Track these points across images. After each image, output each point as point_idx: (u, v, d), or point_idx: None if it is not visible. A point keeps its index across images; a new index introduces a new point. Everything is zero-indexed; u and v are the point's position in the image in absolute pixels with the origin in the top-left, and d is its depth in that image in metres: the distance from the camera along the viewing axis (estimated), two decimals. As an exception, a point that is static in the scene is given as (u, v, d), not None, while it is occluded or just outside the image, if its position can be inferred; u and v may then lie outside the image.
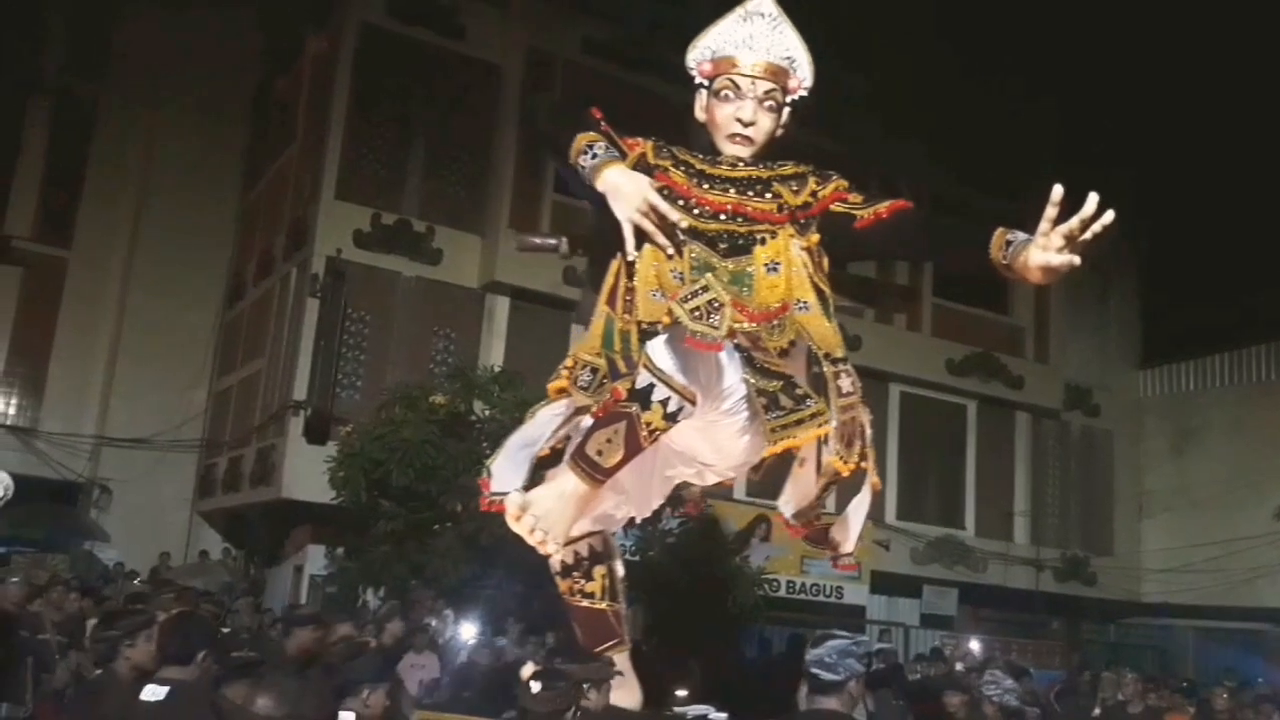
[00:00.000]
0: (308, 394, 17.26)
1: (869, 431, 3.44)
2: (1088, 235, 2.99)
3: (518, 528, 3.27)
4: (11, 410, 21.17)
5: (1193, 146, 22.26)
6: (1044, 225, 3.01)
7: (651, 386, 3.13)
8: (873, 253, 3.71)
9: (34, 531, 17.49)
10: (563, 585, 3.69)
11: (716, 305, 3.09)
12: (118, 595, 13.32)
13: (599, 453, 3.20)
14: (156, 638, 5.57)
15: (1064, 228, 3.00)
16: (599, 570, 3.63)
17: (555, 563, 3.63)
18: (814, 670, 4.41)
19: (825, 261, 3.51)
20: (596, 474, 3.23)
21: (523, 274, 18.39)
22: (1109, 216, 2.97)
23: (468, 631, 11.98)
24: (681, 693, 5.76)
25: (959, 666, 15.55)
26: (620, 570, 3.69)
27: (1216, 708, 11.47)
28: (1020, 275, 3.12)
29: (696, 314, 3.06)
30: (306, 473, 15.96)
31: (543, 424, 3.65)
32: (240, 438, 19.80)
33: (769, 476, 3.55)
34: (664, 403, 3.12)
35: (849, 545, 3.68)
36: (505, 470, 3.54)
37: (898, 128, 20.58)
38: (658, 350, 3.17)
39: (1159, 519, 24.55)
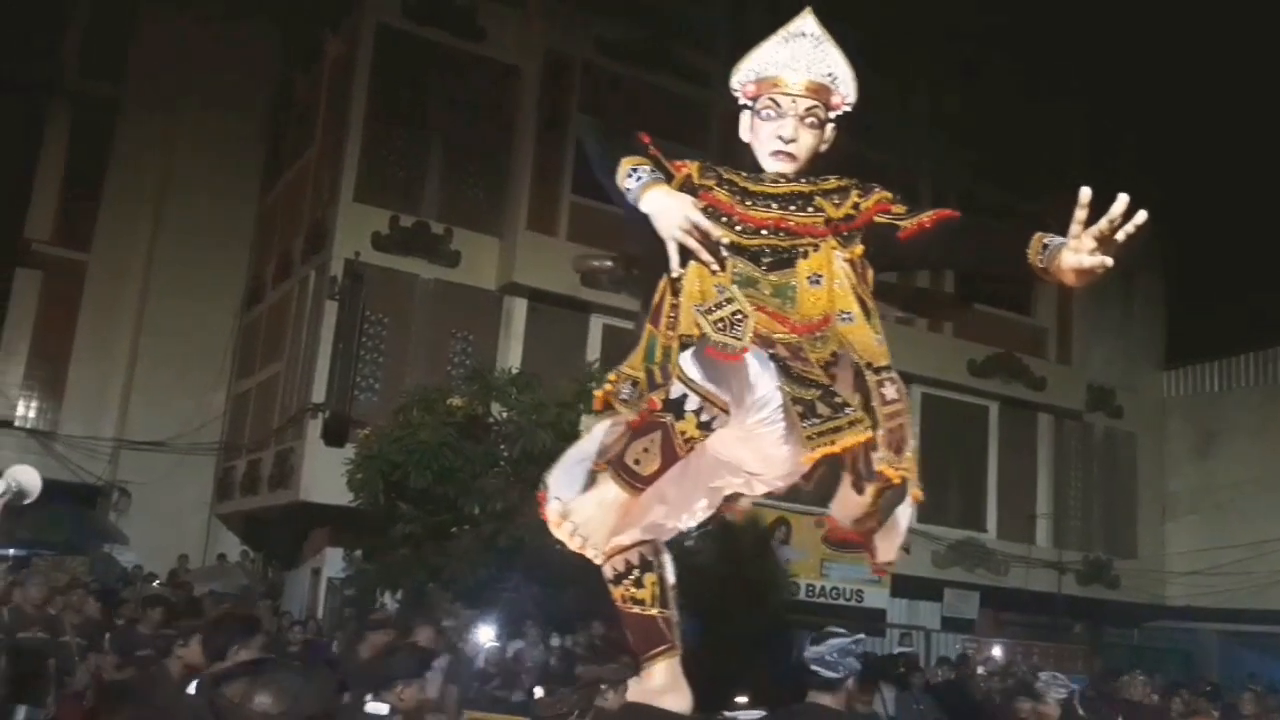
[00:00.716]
0: (326, 397, 17.25)
1: (912, 441, 3.45)
2: (1120, 236, 2.98)
3: (559, 534, 3.39)
4: (31, 413, 21.28)
5: (1218, 145, 22.14)
6: (1074, 228, 3.02)
7: (684, 396, 3.21)
8: (916, 263, 3.74)
9: (53, 535, 17.51)
10: (615, 592, 3.74)
11: (740, 317, 3.16)
12: (135, 598, 13.34)
13: (636, 461, 3.29)
14: (200, 639, 6.04)
15: (1094, 229, 2.99)
16: (649, 578, 3.68)
17: (607, 570, 3.71)
18: (815, 668, 4.57)
19: (869, 273, 3.54)
20: (635, 482, 3.32)
21: (540, 276, 18.39)
22: (1141, 217, 2.95)
23: (485, 634, 11.94)
24: (741, 699, 5.78)
25: (980, 670, 15.51)
26: (671, 578, 3.73)
27: (1243, 712, 11.41)
28: (1056, 279, 3.15)
29: (720, 325, 3.14)
30: (325, 475, 15.98)
31: (598, 438, 3.71)
32: (259, 440, 19.82)
33: (820, 488, 3.54)
34: (696, 412, 3.20)
35: (890, 554, 3.67)
36: (561, 482, 3.62)
37: (918, 125, 20.52)
38: (689, 361, 3.24)
39: (1183, 521, 24.41)
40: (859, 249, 3.52)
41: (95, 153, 21.78)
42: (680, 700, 3.70)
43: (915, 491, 3.46)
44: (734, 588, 13.28)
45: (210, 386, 21.63)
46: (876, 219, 3.51)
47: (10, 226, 21.27)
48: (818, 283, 3.46)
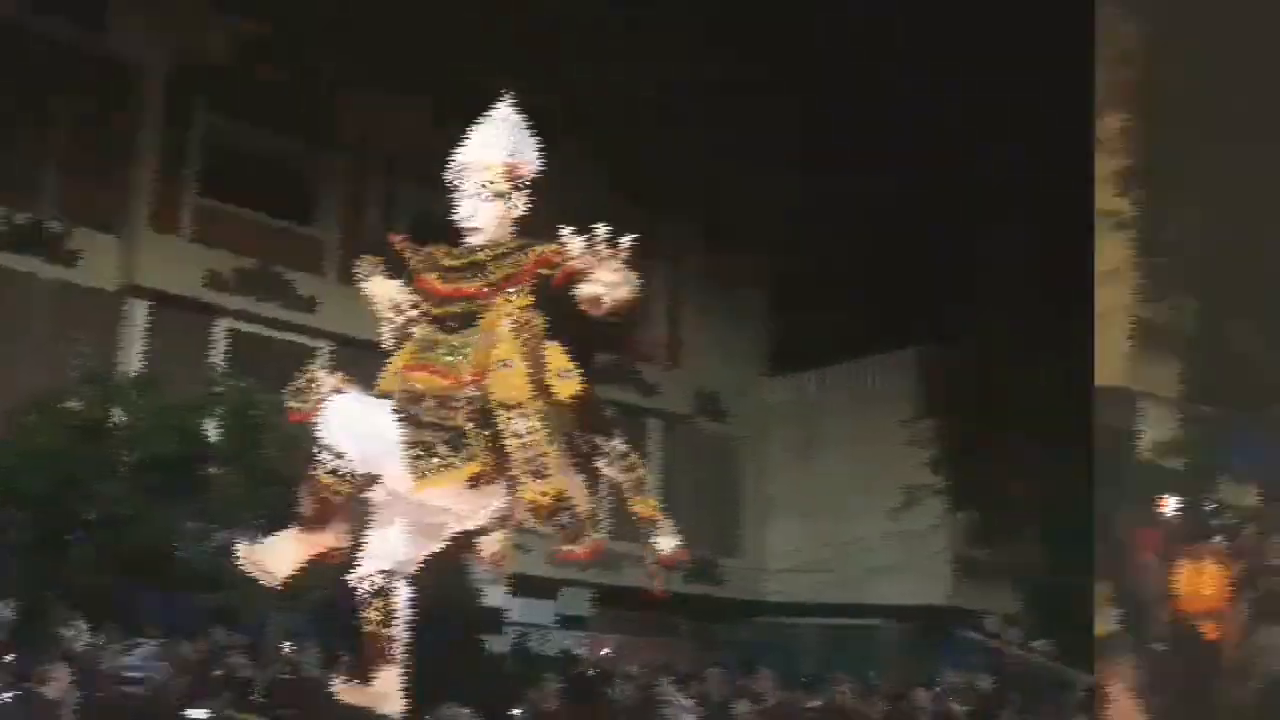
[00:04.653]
0: (-72, 401, 16.34)
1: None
2: (615, 265, 3.52)
3: (245, 565, 4.16)
4: None
5: (825, 164, 22.69)
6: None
7: (318, 451, 3.88)
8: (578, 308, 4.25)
9: None
10: (361, 614, 4.28)
11: (311, 384, 3.95)
12: None
13: (301, 505, 4.09)
14: None
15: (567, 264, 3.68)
16: (378, 602, 4.20)
17: (357, 596, 4.26)
18: (127, 672, 5.48)
19: (538, 321, 3.96)
20: (301, 522, 4.13)
21: (164, 278, 18.03)
22: (626, 242, 3.53)
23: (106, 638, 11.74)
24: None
25: (591, 672, 15.97)
26: (395, 605, 4.23)
27: (836, 703, 12.47)
28: None
29: (295, 393, 3.94)
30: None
31: None
32: None
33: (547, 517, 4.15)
34: (325, 463, 3.88)
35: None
36: None
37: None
38: (320, 422, 3.91)
39: (784, 521, 25.63)
40: (527, 301, 3.97)
41: None
42: (393, 704, 4.28)
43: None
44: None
45: None
46: (540, 272, 3.95)
47: None
48: (488, 338, 3.96)
